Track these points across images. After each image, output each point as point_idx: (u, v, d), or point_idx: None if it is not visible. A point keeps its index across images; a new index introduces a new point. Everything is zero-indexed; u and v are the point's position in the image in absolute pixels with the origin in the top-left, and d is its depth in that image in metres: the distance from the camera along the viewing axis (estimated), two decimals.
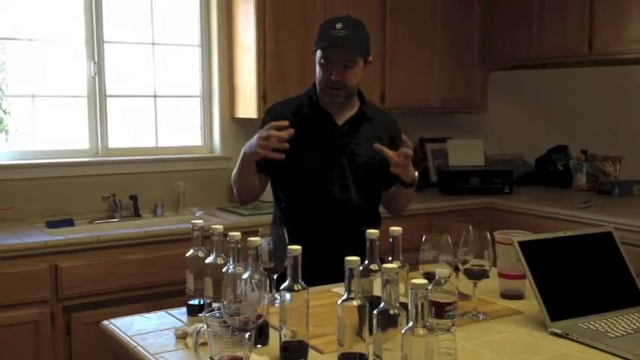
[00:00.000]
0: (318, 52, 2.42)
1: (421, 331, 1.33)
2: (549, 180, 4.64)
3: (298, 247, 1.58)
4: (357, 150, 2.47)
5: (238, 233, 1.67)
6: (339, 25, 2.36)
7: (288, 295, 1.58)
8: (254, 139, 2.32)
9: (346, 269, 1.48)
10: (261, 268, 1.54)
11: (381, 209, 2.61)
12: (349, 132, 2.49)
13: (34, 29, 3.56)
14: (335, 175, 2.44)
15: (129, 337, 1.82)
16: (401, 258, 1.76)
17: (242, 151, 2.43)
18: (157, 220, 3.63)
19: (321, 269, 2.08)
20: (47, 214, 3.47)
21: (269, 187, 2.58)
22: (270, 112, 2.58)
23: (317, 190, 2.44)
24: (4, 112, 3.57)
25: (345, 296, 1.48)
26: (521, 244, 1.94)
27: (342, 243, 2.28)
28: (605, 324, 1.83)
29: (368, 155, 2.48)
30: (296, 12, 3.80)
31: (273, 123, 2.27)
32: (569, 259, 1.99)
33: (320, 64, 2.42)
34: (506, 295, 2.12)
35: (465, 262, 1.92)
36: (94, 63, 3.68)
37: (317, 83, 2.48)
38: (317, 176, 2.37)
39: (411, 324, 1.34)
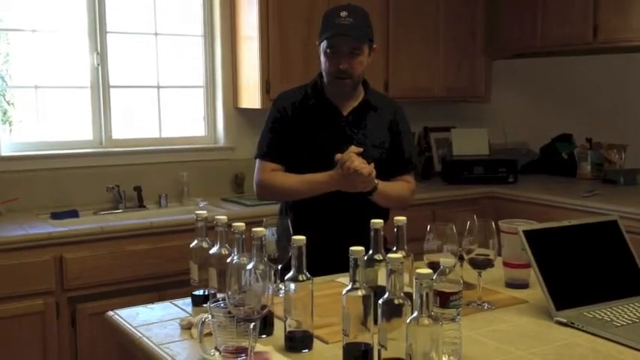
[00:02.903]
0: (324, 43, 2.41)
1: (426, 321, 1.33)
2: (554, 169, 4.62)
3: (302, 238, 1.58)
4: (362, 140, 2.46)
5: (242, 224, 1.67)
6: (343, 14, 2.35)
7: (292, 286, 1.58)
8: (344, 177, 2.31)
9: (351, 259, 1.47)
10: (265, 259, 1.54)
11: None
12: (354, 122, 2.49)
13: (38, 20, 3.56)
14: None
15: (134, 327, 1.82)
16: (405, 248, 1.76)
17: (321, 180, 2.37)
18: (161, 211, 3.63)
19: (326, 259, 2.08)
20: (51, 206, 3.47)
21: None
22: (277, 101, 2.57)
23: None
24: (8, 103, 3.57)
25: (349, 286, 1.48)
26: (526, 233, 1.94)
27: (347, 233, 2.27)
28: (611, 313, 1.83)
29: (373, 144, 2.48)
30: (299, 2, 3.78)
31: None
32: (574, 248, 1.99)
33: (326, 53, 2.41)
34: (511, 285, 2.12)
35: (469, 252, 1.92)
36: (97, 53, 3.68)
37: (323, 74, 2.47)
38: (322, 167, 2.36)
39: (415, 314, 1.34)
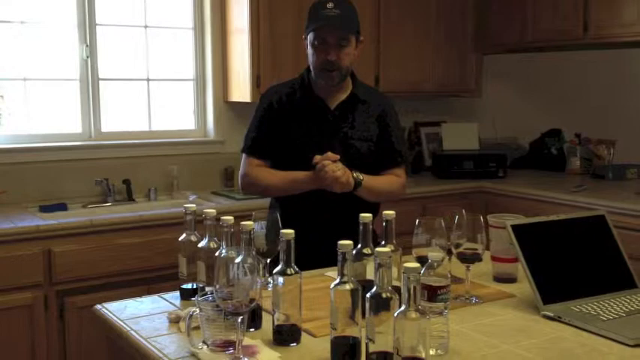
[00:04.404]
0: (311, 35, 2.40)
1: (414, 315, 1.33)
2: (543, 164, 4.64)
3: (291, 232, 1.58)
4: (350, 133, 2.46)
5: (231, 217, 1.67)
6: (330, 5, 2.34)
7: (280, 279, 1.58)
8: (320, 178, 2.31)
9: (339, 253, 1.47)
10: (253, 252, 1.54)
11: None
12: (341, 116, 2.48)
13: (26, 12, 3.53)
14: None
15: (122, 321, 1.82)
16: (394, 242, 1.76)
17: (302, 180, 2.38)
18: (150, 205, 3.62)
19: (315, 253, 2.09)
20: (40, 199, 3.46)
21: None
22: (265, 95, 2.57)
23: None
24: None
25: (337, 280, 1.48)
26: (514, 227, 1.95)
27: (336, 227, 2.27)
28: (598, 307, 1.84)
29: (361, 138, 2.48)
30: None
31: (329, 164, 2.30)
32: (562, 242, 2.00)
33: (313, 45, 2.40)
34: (499, 279, 2.13)
35: (457, 246, 1.92)
36: (87, 46, 3.66)
37: (311, 67, 2.46)
38: (309, 161, 2.36)
39: (403, 307, 1.34)
